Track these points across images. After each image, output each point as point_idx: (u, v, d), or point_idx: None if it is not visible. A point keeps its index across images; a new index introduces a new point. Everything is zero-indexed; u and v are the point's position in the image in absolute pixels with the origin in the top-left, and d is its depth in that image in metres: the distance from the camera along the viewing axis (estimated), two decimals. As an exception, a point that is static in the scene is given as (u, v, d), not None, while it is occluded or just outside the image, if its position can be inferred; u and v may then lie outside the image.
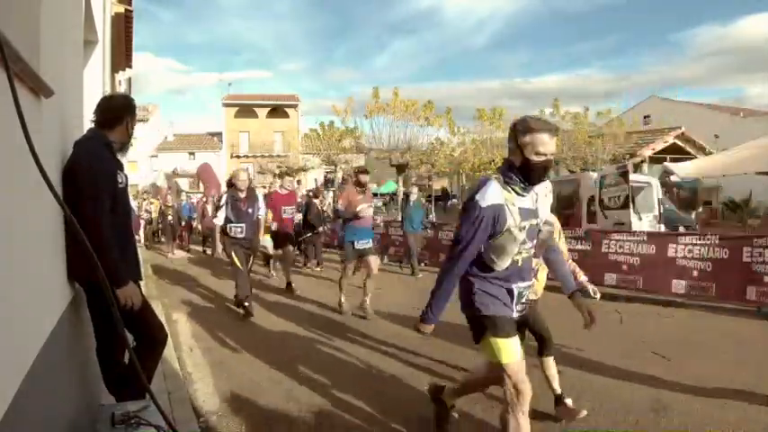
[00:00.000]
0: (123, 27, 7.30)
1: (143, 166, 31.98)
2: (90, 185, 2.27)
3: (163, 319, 4.48)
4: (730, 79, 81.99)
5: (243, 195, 6.14)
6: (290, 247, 8.28)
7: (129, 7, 7.11)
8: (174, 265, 11.14)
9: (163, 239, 15.44)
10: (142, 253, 10.18)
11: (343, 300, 6.16)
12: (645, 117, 27.30)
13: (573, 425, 3.09)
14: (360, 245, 5.90)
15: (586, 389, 3.65)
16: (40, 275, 1.79)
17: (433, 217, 17.01)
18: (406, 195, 10.50)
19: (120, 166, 2.55)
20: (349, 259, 5.97)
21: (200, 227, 14.10)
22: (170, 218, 13.56)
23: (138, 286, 2.56)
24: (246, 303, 5.97)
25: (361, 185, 6.03)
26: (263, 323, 5.84)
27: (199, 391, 3.77)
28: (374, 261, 6.05)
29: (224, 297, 7.46)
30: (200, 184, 20.95)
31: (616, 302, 6.59)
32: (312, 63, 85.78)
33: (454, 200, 30.59)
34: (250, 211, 6.17)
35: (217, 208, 6.36)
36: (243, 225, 6.09)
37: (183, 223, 14.74)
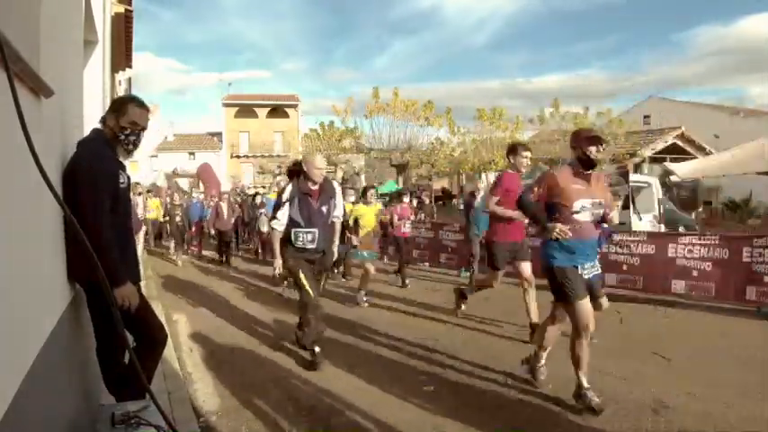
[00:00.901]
0: (123, 27, 7.30)
1: (143, 166, 31.96)
2: (90, 185, 2.27)
3: (163, 319, 4.48)
4: (730, 79, 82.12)
5: (315, 188, 4.32)
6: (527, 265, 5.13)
7: (129, 7, 7.11)
8: (177, 268, 10.88)
9: (165, 242, 13.74)
10: (143, 257, 9.07)
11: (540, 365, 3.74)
12: (645, 117, 27.32)
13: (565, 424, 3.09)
14: (587, 271, 3.43)
15: (586, 389, 3.65)
16: (40, 275, 1.79)
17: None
18: (472, 196, 8.52)
19: (122, 166, 2.55)
20: (579, 295, 3.32)
21: (211, 230, 12.04)
22: (178, 218, 11.79)
23: (138, 287, 2.56)
24: (317, 349, 4.27)
25: (587, 164, 3.44)
26: (264, 322, 5.84)
27: (199, 391, 3.77)
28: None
29: (225, 297, 7.46)
30: (201, 184, 20.93)
31: (616, 302, 6.60)
32: (312, 63, 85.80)
33: (453, 200, 30.58)
34: (324, 209, 4.36)
35: (275, 207, 4.45)
36: (314, 230, 4.26)
37: (193, 227, 12.70)
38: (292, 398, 3.59)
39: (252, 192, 18.60)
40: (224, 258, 11.14)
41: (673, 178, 11.87)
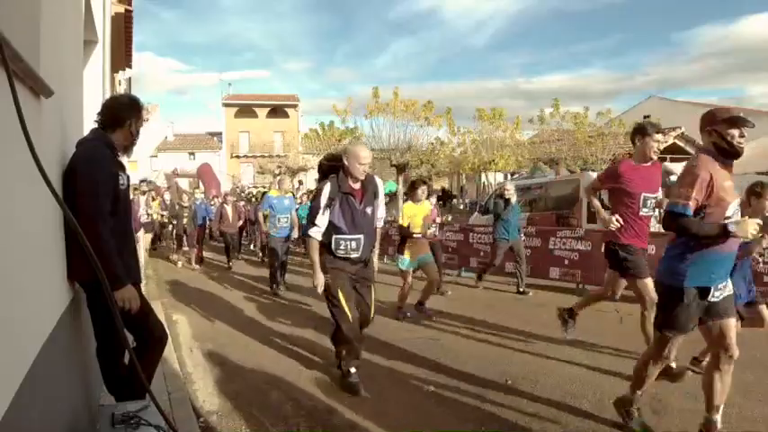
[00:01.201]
0: (123, 27, 7.30)
1: (143, 166, 32.00)
2: (89, 186, 2.27)
3: (163, 319, 4.48)
4: (730, 79, 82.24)
5: (357, 186, 3.64)
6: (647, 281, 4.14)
7: (129, 7, 7.11)
8: (178, 269, 10.79)
9: (165, 244, 13.49)
10: (143, 258, 8.80)
11: None
12: (645, 117, 27.32)
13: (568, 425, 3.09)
14: (719, 292, 2.68)
15: (586, 388, 3.65)
16: (40, 275, 1.80)
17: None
18: (501, 197, 7.84)
19: (121, 167, 2.55)
20: (685, 331, 2.72)
21: (215, 232, 11.55)
22: (185, 220, 11.38)
23: (138, 288, 2.56)
24: (353, 370, 3.75)
25: (728, 155, 2.67)
26: (264, 322, 5.84)
27: (199, 391, 3.77)
28: (733, 328, 2.72)
29: (225, 298, 7.45)
30: (201, 185, 20.94)
31: (616, 302, 6.59)
32: (312, 63, 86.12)
33: (453, 200, 30.59)
34: (369, 211, 3.68)
35: (313, 212, 3.65)
36: (360, 237, 3.61)
37: (196, 227, 11.79)
38: (292, 398, 3.59)
39: (255, 191, 18.53)
40: (231, 264, 10.77)
41: (672, 178, 11.86)
